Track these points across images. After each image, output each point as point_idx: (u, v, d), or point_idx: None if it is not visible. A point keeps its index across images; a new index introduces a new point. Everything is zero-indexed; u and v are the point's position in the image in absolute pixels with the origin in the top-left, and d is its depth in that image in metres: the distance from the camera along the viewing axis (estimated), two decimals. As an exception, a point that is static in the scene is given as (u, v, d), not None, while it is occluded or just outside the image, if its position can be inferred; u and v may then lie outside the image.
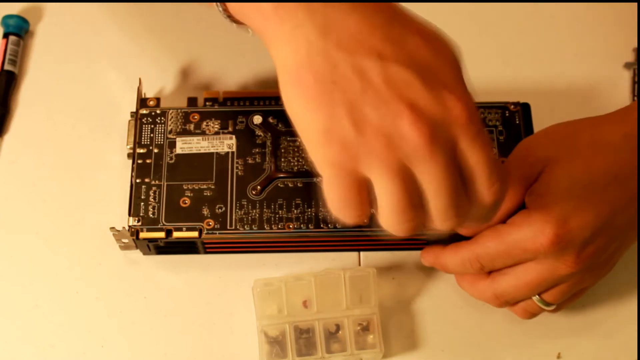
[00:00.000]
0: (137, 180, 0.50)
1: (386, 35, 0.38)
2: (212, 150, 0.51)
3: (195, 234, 0.49)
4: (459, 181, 0.38)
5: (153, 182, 0.50)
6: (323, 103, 0.37)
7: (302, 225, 0.49)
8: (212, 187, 0.50)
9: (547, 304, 0.46)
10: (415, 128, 0.36)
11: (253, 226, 0.49)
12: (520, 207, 0.45)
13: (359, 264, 0.51)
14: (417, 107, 0.36)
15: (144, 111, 0.53)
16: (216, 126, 0.52)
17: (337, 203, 0.38)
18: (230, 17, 0.42)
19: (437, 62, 0.38)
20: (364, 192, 0.38)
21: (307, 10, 0.38)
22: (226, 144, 0.52)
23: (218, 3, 0.42)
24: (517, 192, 0.45)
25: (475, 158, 0.38)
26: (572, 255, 0.43)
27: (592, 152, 0.45)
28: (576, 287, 0.46)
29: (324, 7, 0.38)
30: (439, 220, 0.39)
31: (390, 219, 0.38)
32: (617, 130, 0.46)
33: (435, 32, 0.39)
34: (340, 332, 0.47)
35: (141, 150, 0.51)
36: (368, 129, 0.36)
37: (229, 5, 0.41)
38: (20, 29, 0.58)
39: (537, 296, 0.46)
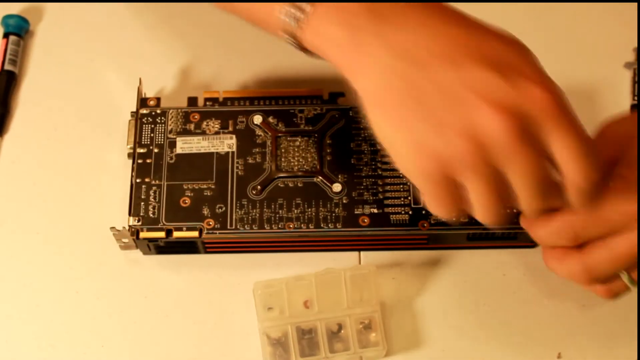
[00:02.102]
0: (138, 180, 0.51)
1: (455, 41, 0.39)
2: (212, 150, 0.51)
3: (195, 233, 0.49)
4: (548, 172, 0.39)
5: (153, 182, 0.50)
6: (408, 120, 0.38)
7: (302, 225, 0.49)
8: (213, 186, 0.50)
9: (633, 283, 0.45)
10: (501, 123, 0.37)
11: (253, 226, 0.49)
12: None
13: (359, 264, 0.51)
14: (497, 101, 0.37)
15: (144, 111, 0.53)
16: (216, 126, 0.52)
17: (434, 206, 0.40)
18: (303, 49, 0.43)
19: (511, 56, 0.39)
20: (457, 193, 0.39)
21: (380, 38, 0.39)
22: (226, 143, 0.52)
23: (288, 37, 0.43)
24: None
25: (566, 145, 0.38)
26: None
27: None
28: None
29: (394, 32, 0.39)
30: (527, 209, 0.40)
31: (481, 214, 0.40)
32: None
33: (499, 28, 0.40)
34: (342, 331, 0.47)
35: (141, 150, 0.51)
36: (454, 136, 0.37)
37: (304, 40, 0.42)
38: (20, 29, 0.58)
39: (625, 274, 0.44)
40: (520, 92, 0.37)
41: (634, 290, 0.45)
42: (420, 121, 0.38)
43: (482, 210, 0.40)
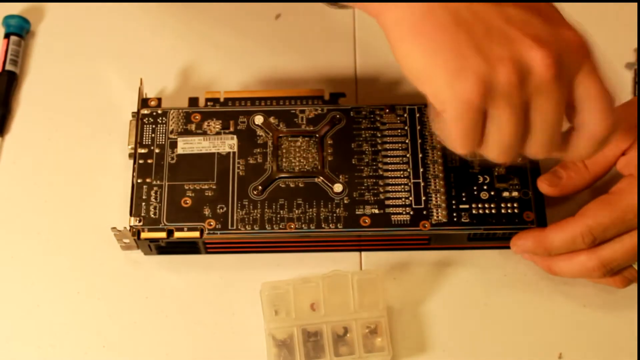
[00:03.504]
0: (139, 181, 0.50)
1: None
2: (213, 150, 0.51)
3: (196, 234, 0.49)
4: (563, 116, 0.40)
5: (154, 182, 0.50)
6: (450, 45, 0.39)
7: (303, 226, 0.49)
8: (214, 187, 0.50)
9: None
10: (544, 59, 0.38)
11: (254, 226, 0.49)
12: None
13: (360, 264, 0.51)
14: (542, 41, 0.38)
15: (145, 111, 0.53)
16: (217, 126, 0.52)
17: (458, 137, 0.40)
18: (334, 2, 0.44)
19: (547, 8, 0.40)
20: (483, 126, 0.40)
21: None
22: (227, 144, 0.52)
23: None
24: (622, 143, 0.47)
25: (593, 91, 0.39)
26: None
27: None
28: None
29: None
30: (538, 151, 0.41)
31: (495, 150, 0.41)
32: None
33: None
34: (348, 335, 0.47)
35: (142, 151, 0.51)
36: (499, 63, 0.38)
37: None
38: (21, 29, 0.58)
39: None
40: (558, 32, 0.39)
41: None
42: (465, 48, 0.38)
43: (496, 148, 0.40)
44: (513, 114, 0.39)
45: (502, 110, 0.39)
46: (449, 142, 0.41)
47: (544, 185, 0.49)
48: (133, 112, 0.53)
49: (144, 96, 0.54)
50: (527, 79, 0.38)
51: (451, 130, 0.40)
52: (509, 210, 0.50)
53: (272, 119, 0.52)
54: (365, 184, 0.50)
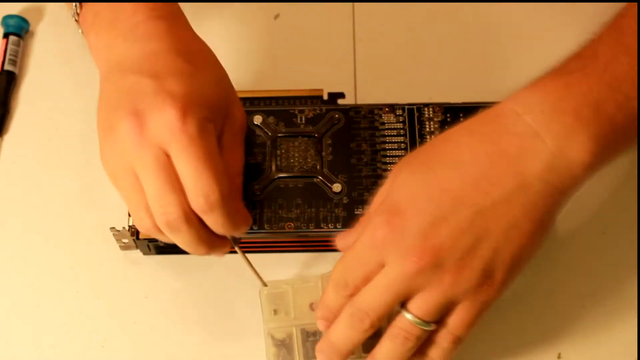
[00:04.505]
0: (138, 181, 0.50)
1: None
2: (212, 150, 0.51)
3: (195, 234, 0.49)
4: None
5: (153, 182, 0.50)
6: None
7: (302, 226, 0.49)
8: (213, 187, 0.50)
9: (423, 322, 0.42)
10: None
11: (253, 226, 0.49)
12: None
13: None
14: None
15: (144, 111, 0.53)
16: (216, 126, 0.52)
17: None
18: None
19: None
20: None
21: None
22: (226, 144, 0.52)
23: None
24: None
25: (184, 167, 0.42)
26: (415, 246, 0.40)
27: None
28: (444, 298, 0.41)
29: None
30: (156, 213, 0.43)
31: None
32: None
33: None
34: (346, 335, 0.47)
35: (141, 151, 0.51)
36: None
37: None
38: (20, 29, 0.58)
39: (408, 314, 0.42)
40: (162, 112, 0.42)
41: (430, 328, 0.42)
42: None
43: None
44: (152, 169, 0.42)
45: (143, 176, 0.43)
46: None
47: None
48: (132, 112, 0.53)
49: (143, 96, 0.54)
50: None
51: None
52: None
53: (271, 119, 0.52)
54: (364, 184, 0.50)
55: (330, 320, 0.44)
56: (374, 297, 0.42)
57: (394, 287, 0.41)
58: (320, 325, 0.45)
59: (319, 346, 0.44)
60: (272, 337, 0.47)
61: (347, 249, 0.44)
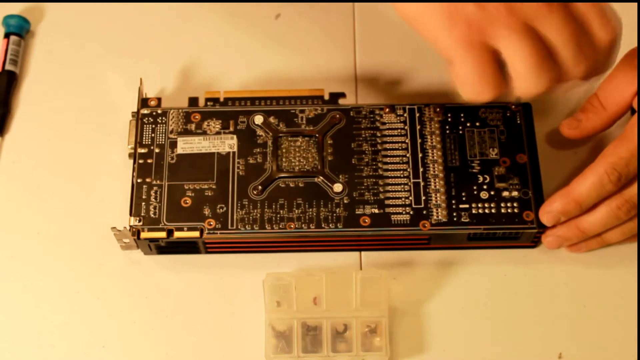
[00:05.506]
0: (138, 180, 0.50)
1: None
2: (213, 150, 0.51)
3: (196, 233, 0.49)
4: (580, 28, 0.41)
5: (154, 182, 0.50)
6: None
7: (303, 225, 0.49)
8: (213, 187, 0.50)
9: None
10: None
11: (254, 226, 0.49)
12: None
13: (360, 264, 0.51)
14: None
15: (145, 111, 0.53)
16: (217, 126, 0.52)
17: (473, 79, 0.41)
18: None
19: None
20: (496, 62, 0.41)
21: None
22: (227, 144, 0.52)
23: None
24: (635, 80, 0.48)
25: (586, 4, 0.41)
26: None
27: None
28: None
29: None
30: (573, 65, 0.42)
31: (527, 76, 0.41)
32: None
33: None
34: (347, 332, 0.47)
35: (142, 150, 0.51)
36: (487, 3, 0.40)
37: None
38: (21, 29, 0.58)
39: None
40: None
41: None
42: None
43: (527, 72, 0.41)
44: (519, 36, 0.40)
45: (507, 38, 0.40)
46: (470, 89, 0.42)
47: (565, 129, 0.51)
48: (133, 112, 0.53)
49: (144, 96, 0.54)
50: (519, 6, 0.40)
51: (466, 76, 0.41)
52: (509, 210, 0.50)
53: (272, 119, 0.52)
54: (365, 184, 0.50)
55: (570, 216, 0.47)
56: None
57: None
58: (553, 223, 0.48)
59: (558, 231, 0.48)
60: (273, 328, 0.47)
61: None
